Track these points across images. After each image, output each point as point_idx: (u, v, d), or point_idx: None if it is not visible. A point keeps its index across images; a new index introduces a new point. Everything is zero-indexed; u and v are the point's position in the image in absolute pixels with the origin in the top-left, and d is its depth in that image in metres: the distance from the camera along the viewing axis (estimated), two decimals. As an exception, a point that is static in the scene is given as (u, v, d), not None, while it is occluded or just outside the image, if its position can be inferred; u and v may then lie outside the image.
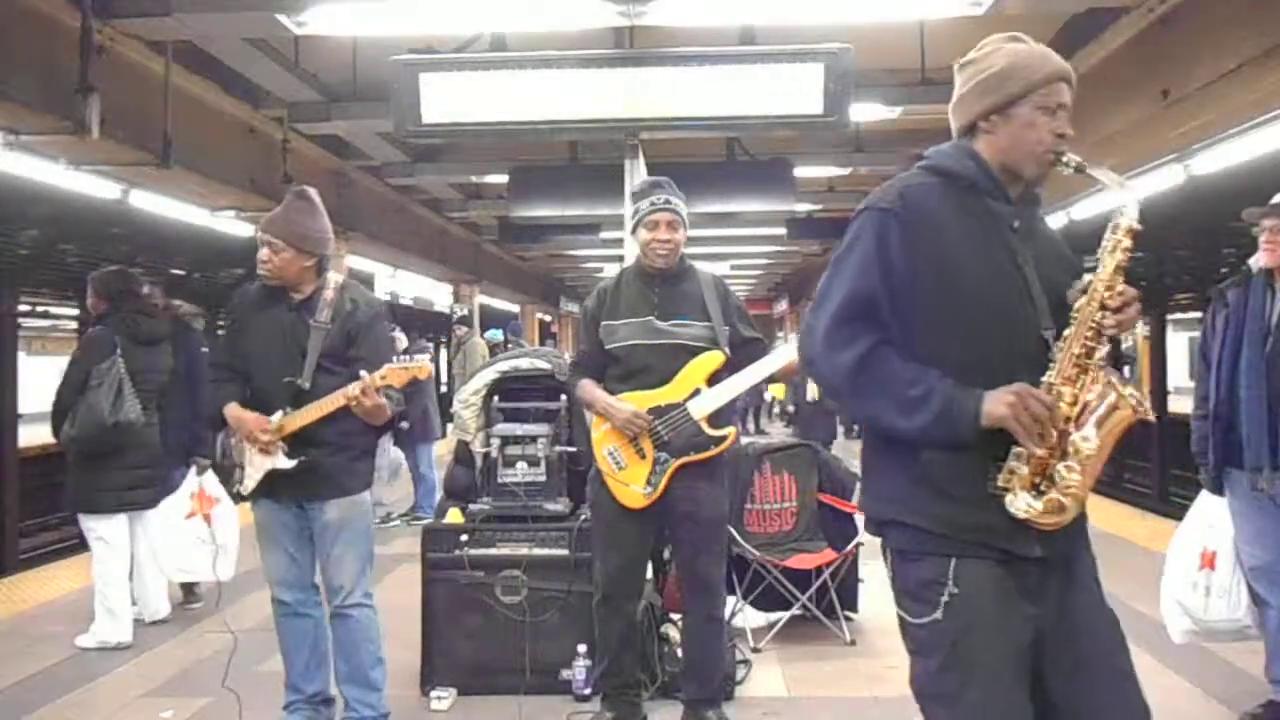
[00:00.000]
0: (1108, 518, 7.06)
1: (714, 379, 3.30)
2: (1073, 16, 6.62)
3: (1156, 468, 10.76)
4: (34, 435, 8.55)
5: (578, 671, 3.72)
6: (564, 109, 4.60)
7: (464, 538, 3.88)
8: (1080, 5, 6.01)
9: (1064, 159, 1.85)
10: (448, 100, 4.57)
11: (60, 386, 4.44)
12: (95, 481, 4.48)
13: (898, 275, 1.80)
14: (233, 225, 9.08)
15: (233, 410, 3.20)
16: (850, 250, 1.86)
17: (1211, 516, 3.49)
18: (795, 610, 4.55)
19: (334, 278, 3.31)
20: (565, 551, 3.83)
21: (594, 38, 5.43)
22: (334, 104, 7.74)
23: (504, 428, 4.01)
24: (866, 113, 7.50)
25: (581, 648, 3.71)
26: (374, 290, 13.35)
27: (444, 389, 13.16)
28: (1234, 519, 3.39)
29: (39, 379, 8.22)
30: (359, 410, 3.09)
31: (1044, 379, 1.77)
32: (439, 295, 17.50)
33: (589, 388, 3.35)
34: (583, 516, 3.79)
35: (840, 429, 10.72)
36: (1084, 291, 1.81)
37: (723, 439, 3.30)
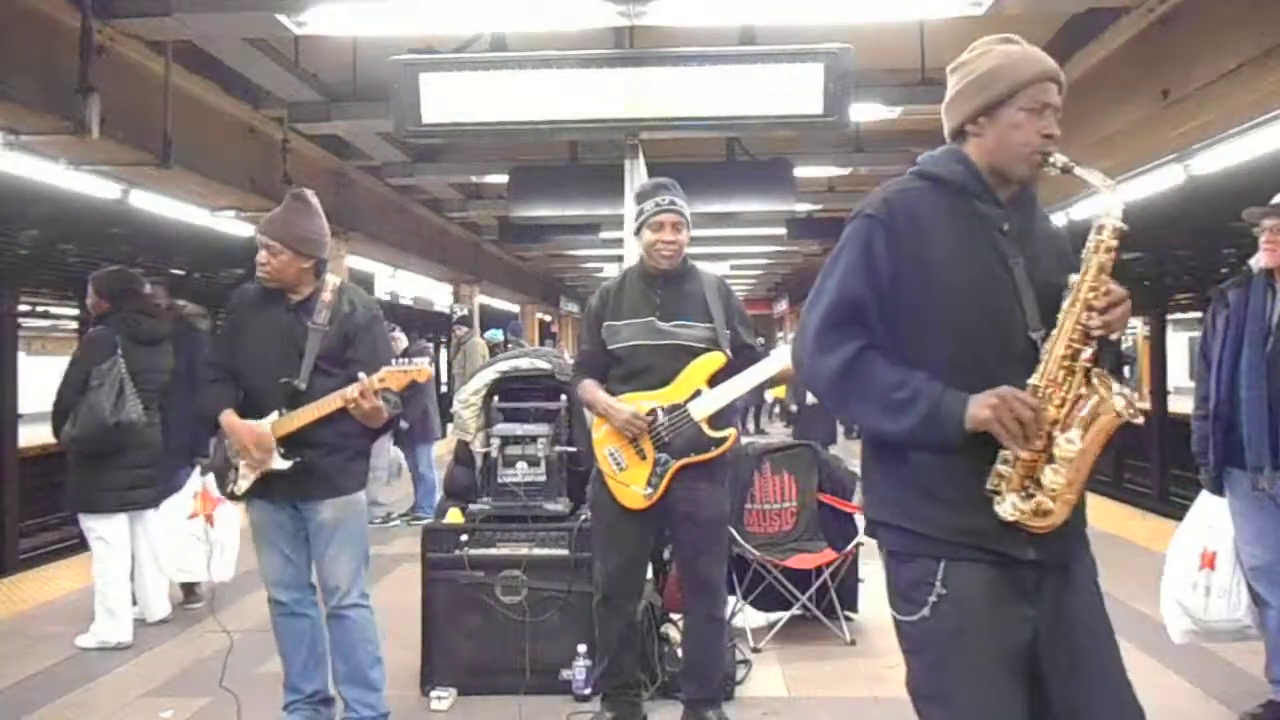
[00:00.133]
0: (1108, 518, 7.06)
1: (715, 380, 3.30)
2: (1073, 16, 6.62)
3: (1156, 468, 10.77)
4: (34, 435, 8.56)
5: (578, 671, 3.72)
6: (564, 109, 4.59)
7: (464, 538, 3.88)
8: (1080, 5, 6.01)
9: (1050, 159, 1.84)
10: (448, 100, 4.56)
11: (61, 386, 4.44)
12: (96, 481, 4.48)
13: (884, 280, 1.83)
14: (233, 225, 9.09)
15: (228, 419, 3.20)
16: (838, 257, 1.89)
17: (1211, 517, 3.49)
18: (795, 610, 4.54)
19: (332, 280, 3.32)
20: (565, 551, 3.83)
21: (594, 38, 5.43)
22: (334, 104, 7.74)
23: (504, 428, 4.00)
24: (866, 113, 7.50)
25: (581, 648, 3.71)
26: (374, 290, 13.42)
27: (444, 389, 13.16)
28: (1234, 519, 3.39)
29: (39, 379, 8.22)
30: (356, 412, 3.10)
31: (1030, 381, 1.77)
32: (439, 295, 17.51)
33: (590, 388, 3.35)
34: (583, 516, 3.79)
35: (840, 429, 10.71)
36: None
37: (723, 440, 3.30)
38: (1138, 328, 17.22)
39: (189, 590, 5.17)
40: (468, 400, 4.29)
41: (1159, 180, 7.49)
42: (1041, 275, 1.85)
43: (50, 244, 8.89)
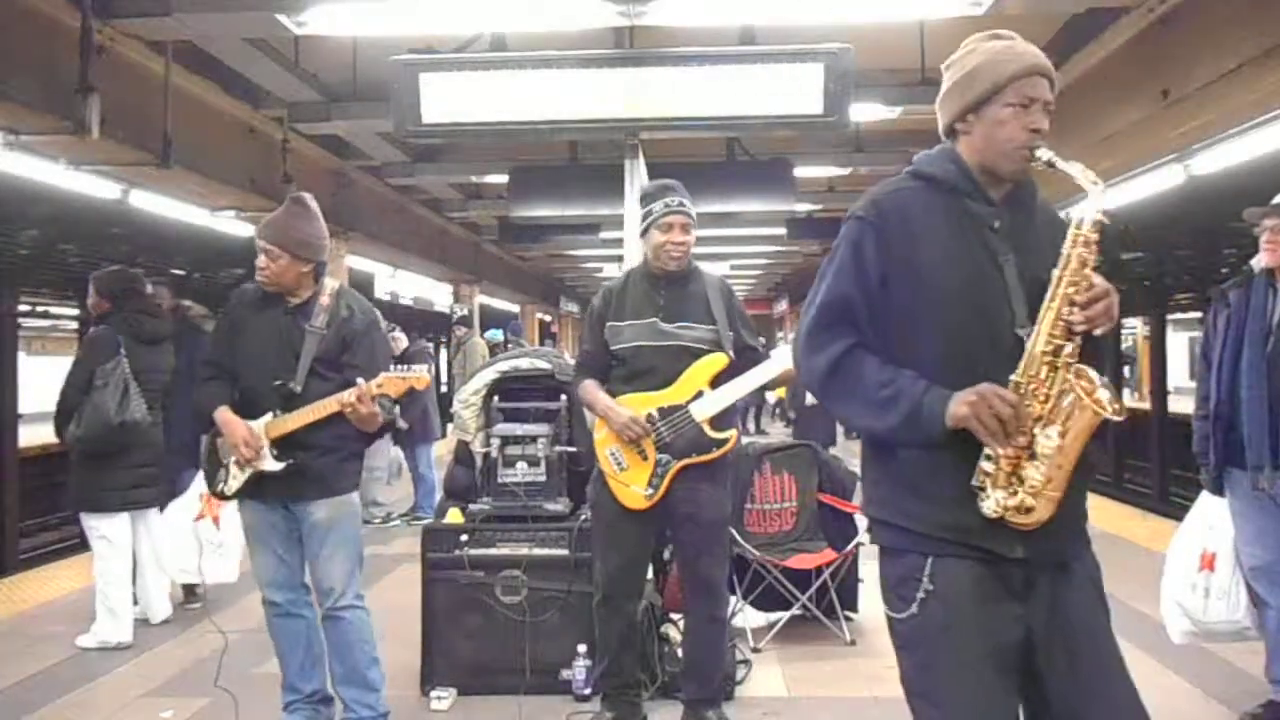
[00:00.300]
0: (1108, 518, 7.06)
1: (717, 381, 3.30)
2: (1073, 16, 6.61)
3: (1156, 468, 10.76)
4: (34, 435, 8.56)
5: (578, 671, 3.72)
6: (564, 109, 4.60)
7: (464, 538, 3.88)
8: (1080, 5, 6.01)
9: (1036, 153, 1.83)
10: (448, 100, 4.56)
11: (64, 387, 4.44)
12: (99, 481, 4.48)
13: (873, 281, 1.85)
14: (233, 225, 9.08)
15: (224, 415, 3.20)
16: (831, 258, 1.92)
17: (1211, 518, 3.49)
18: (795, 610, 4.55)
19: (330, 284, 3.32)
20: (565, 551, 3.83)
21: (594, 38, 5.43)
22: (334, 104, 7.74)
23: (504, 428, 4.01)
24: (866, 113, 7.49)
25: (581, 648, 3.71)
26: (374, 290, 13.42)
27: (444, 389, 13.16)
28: (1235, 519, 3.39)
29: (39, 379, 8.24)
30: (353, 417, 3.10)
31: (1011, 378, 1.77)
32: (439, 295, 17.50)
33: (591, 389, 3.35)
34: (583, 516, 3.79)
35: (840, 430, 10.70)
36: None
37: (725, 441, 3.30)
38: (1138, 328, 17.26)
39: (189, 591, 5.16)
40: (468, 400, 4.29)
41: (1159, 180, 7.48)
42: (1034, 272, 1.84)
43: (50, 244, 8.89)
